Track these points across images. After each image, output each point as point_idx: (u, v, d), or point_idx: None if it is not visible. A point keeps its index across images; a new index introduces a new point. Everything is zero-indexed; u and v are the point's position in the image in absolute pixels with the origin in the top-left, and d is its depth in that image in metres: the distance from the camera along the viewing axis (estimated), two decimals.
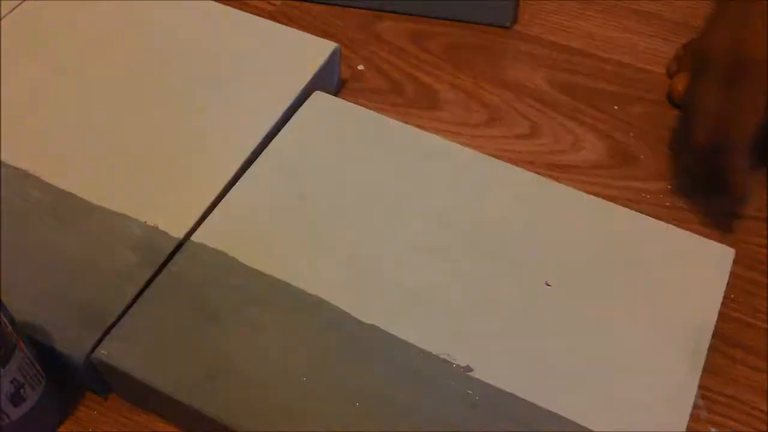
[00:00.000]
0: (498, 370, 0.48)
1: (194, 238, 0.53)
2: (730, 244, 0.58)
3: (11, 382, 0.43)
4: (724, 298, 0.56)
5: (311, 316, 0.50)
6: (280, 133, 0.59)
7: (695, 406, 0.51)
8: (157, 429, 0.50)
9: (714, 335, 0.54)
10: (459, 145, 0.59)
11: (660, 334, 0.50)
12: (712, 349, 0.54)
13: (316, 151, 0.58)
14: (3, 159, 0.56)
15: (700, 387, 0.52)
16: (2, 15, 0.66)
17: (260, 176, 0.57)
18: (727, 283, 0.57)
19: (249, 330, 0.49)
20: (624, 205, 0.60)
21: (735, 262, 0.58)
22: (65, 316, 0.49)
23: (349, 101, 0.62)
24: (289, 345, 0.49)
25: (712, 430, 0.51)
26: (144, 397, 0.49)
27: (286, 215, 0.55)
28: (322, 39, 0.66)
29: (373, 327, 0.49)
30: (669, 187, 0.62)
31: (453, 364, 0.48)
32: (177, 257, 0.52)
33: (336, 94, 0.68)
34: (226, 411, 0.46)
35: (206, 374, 0.47)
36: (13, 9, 0.66)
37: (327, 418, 0.46)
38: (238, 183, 0.56)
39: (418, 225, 0.55)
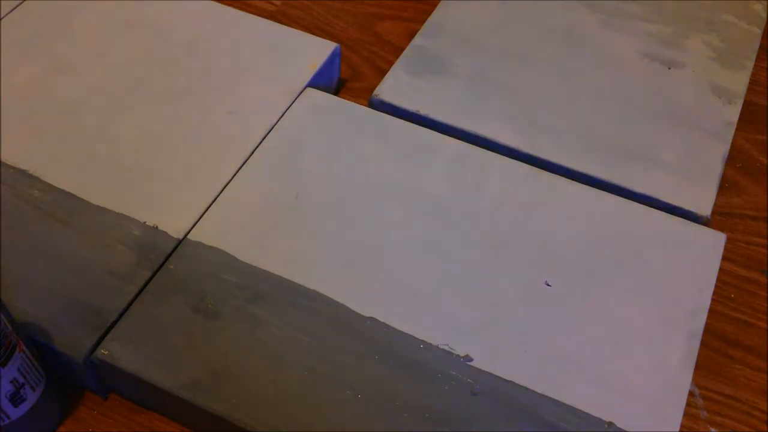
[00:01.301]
0: (497, 358, 0.48)
1: (191, 236, 0.53)
2: (731, 244, 0.59)
3: (11, 382, 0.43)
4: (724, 298, 0.56)
5: (310, 310, 0.50)
6: (272, 130, 0.59)
7: (695, 406, 0.51)
8: (157, 429, 0.50)
9: (714, 335, 0.54)
10: (453, 138, 0.59)
11: (655, 318, 0.51)
12: (712, 349, 0.54)
13: (309, 146, 0.59)
14: (3, 159, 0.56)
15: (700, 387, 0.52)
16: (2, 15, 0.66)
17: (254, 173, 0.57)
18: (728, 283, 0.57)
19: (248, 325, 0.49)
20: None
21: (735, 262, 0.58)
22: (65, 316, 0.49)
23: (350, 101, 0.62)
24: (290, 339, 0.49)
25: (712, 430, 0.51)
26: (144, 395, 0.50)
27: (282, 211, 0.55)
28: (322, 39, 0.66)
29: (372, 319, 0.50)
30: None
31: (452, 353, 0.49)
32: (174, 256, 0.52)
33: (336, 93, 0.68)
34: (227, 407, 0.46)
35: (207, 371, 0.47)
36: (13, 9, 0.66)
37: (329, 410, 0.46)
38: (232, 180, 0.56)
39: (413, 217, 0.55)
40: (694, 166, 0.59)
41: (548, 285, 0.52)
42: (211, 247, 0.52)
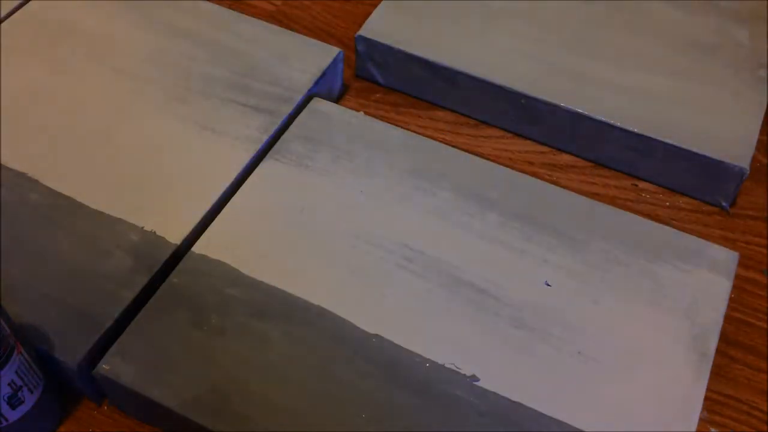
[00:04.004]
0: (504, 379, 0.48)
1: (195, 249, 0.53)
2: (731, 245, 0.58)
3: (9, 384, 0.44)
4: None
5: (315, 326, 0.50)
6: (278, 141, 0.59)
7: None
8: (157, 430, 0.50)
9: None
10: (457, 150, 0.59)
11: (666, 338, 0.50)
12: None
13: (314, 158, 0.58)
14: (3, 161, 0.57)
15: None
16: (4, 16, 0.66)
17: (259, 186, 0.56)
18: None
19: (253, 342, 0.49)
20: (624, 205, 0.60)
21: None
22: (61, 320, 0.49)
23: (350, 101, 0.62)
24: (294, 356, 0.48)
25: (712, 430, 0.51)
26: (145, 411, 0.49)
27: (287, 225, 0.54)
28: (326, 44, 0.65)
29: (377, 337, 0.49)
30: None
31: (459, 373, 0.48)
32: (178, 269, 0.52)
33: (339, 97, 0.68)
34: (230, 425, 0.46)
35: (210, 388, 0.47)
36: (14, 10, 0.67)
37: (333, 428, 0.46)
38: (237, 193, 0.56)
39: (421, 231, 0.54)
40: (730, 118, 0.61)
41: (548, 285, 0.52)
42: (216, 261, 0.52)
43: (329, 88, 0.66)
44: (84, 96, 0.61)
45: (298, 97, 0.61)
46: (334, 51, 0.65)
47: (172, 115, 0.60)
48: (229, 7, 0.68)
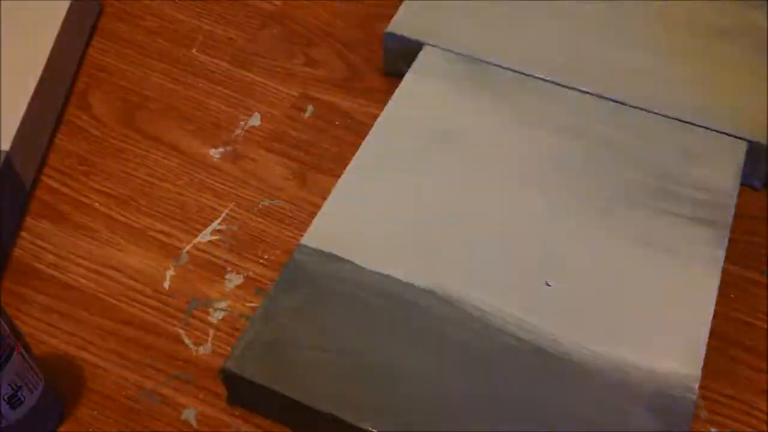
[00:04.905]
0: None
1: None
2: (731, 244, 0.58)
3: (9, 384, 0.44)
4: (724, 297, 0.56)
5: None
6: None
7: (695, 406, 0.51)
8: (157, 429, 0.50)
9: (714, 335, 0.54)
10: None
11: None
12: (712, 349, 0.54)
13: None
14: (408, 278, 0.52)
15: (700, 387, 0.52)
16: None
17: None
18: (728, 283, 0.57)
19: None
20: None
21: (735, 262, 0.58)
22: None
23: (350, 100, 0.61)
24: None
25: (712, 430, 0.51)
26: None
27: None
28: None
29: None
30: None
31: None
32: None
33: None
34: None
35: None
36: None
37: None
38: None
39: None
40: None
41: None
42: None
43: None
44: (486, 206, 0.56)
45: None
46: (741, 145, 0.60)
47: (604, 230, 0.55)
48: (230, 6, 0.67)
